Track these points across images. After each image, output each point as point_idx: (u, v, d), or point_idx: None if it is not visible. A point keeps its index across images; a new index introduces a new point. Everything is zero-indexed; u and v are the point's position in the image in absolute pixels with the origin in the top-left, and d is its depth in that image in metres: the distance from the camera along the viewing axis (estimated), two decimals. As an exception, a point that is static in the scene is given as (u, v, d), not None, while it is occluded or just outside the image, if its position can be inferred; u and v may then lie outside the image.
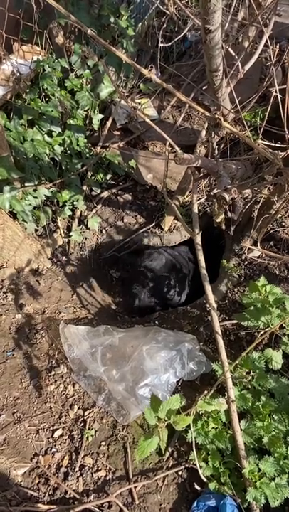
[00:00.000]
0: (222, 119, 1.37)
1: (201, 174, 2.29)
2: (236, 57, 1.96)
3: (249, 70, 2.03)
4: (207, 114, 1.38)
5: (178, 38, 2.63)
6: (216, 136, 1.78)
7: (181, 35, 2.61)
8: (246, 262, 2.71)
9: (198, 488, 1.82)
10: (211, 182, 3.08)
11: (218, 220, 1.81)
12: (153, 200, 3.25)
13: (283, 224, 2.77)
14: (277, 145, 1.59)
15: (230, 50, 1.80)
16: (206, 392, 1.77)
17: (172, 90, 1.32)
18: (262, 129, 1.70)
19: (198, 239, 1.93)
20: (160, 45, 2.15)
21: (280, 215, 2.78)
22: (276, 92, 1.68)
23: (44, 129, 2.62)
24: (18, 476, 1.86)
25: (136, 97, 3.59)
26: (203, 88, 3.31)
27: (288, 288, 2.53)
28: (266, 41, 1.92)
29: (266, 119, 1.93)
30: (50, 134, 2.68)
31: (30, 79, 2.62)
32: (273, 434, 1.79)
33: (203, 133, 2.01)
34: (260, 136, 1.79)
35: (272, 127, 1.77)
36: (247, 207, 2.59)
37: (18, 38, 2.53)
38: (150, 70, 1.31)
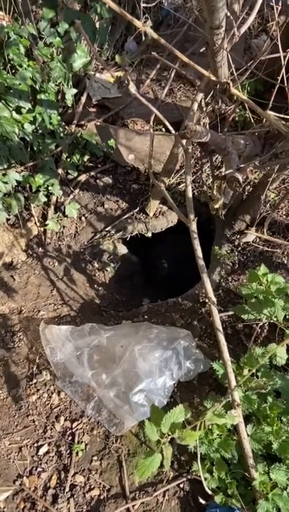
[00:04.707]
0: (230, 84, 1.15)
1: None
2: (231, 17, 1.73)
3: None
4: (213, 77, 1.15)
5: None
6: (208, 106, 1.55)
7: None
8: (239, 248, 2.53)
9: (203, 502, 1.66)
10: (197, 162, 2.85)
11: (217, 205, 1.60)
12: (135, 183, 3.00)
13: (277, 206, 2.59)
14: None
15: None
16: (216, 404, 1.57)
17: (172, 49, 1.08)
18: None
19: (193, 226, 1.72)
20: (142, 4, 1.85)
21: (272, 197, 2.60)
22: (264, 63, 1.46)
23: (12, 105, 2.33)
24: (0, 501, 1.65)
25: (111, 71, 3.28)
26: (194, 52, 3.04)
27: (285, 275, 2.37)
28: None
29: (255, 92, 1.73)
30: (18, 110, 2.38)
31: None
32: (284, 439, 1.63)
33: (195, 106, 1.77)
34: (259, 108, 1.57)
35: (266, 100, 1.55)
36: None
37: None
38: (145, 22, 1.06)
